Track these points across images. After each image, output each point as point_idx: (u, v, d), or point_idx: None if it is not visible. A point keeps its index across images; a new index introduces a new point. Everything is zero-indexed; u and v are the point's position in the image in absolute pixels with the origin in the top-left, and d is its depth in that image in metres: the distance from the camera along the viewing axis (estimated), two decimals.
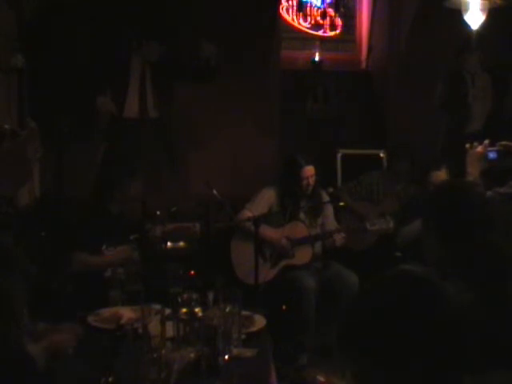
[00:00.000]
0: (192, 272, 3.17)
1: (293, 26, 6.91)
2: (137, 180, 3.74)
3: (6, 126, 1.74)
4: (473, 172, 2.67)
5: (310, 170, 4.47)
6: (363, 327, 1.29)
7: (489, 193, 2.63)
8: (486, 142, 2.76)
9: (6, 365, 1.91)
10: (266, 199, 4.48)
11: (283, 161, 4.76)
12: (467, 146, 2.74)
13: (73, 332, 2.36)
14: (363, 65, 7.04)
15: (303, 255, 4.45)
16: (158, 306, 2.55)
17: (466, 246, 2.36)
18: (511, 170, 2.81)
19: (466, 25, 5.21)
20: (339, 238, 4.39)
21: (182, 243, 4.25)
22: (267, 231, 4.30)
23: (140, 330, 2.34)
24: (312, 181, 4.49)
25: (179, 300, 2.47)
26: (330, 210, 4.65)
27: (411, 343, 1.24)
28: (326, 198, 4.65)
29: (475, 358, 1.32)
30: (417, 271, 1.32)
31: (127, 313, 2.69)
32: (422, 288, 1.28)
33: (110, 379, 2.01)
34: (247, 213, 4.33)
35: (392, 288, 1.29)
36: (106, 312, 2.79)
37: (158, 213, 3.94)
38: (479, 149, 2.73)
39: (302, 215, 4.54)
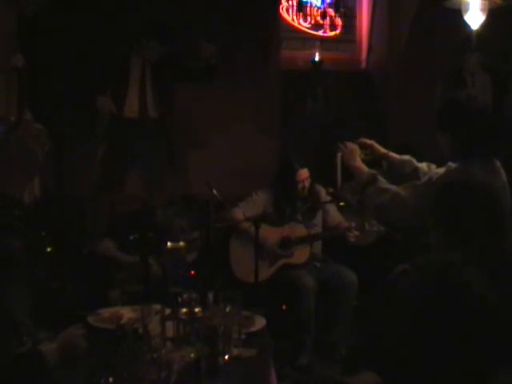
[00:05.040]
0: (192, 272, 3.17)
1: (293, 25, 6.90)
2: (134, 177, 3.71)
3: (12, 118, 1.74)
4: (352, 164, 2.95)
5: (304, 174, 4.50)
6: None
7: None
8: (360, 140, 3.11)
9: (8, 375, 1.91)
10: (260, 202, 4.52)
11: (278, 163, 4.79)
12: (340, 145, 3.03)
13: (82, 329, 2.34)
14: (363, 65, 7.04)
15: (301, 254, 4.46)
16: (158, 306, 2.55)
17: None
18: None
19: (466, 25, 5.20)
20: (352, 236, 4.39)
21: (182, 243, 4.24)
22: (263, 231, 4.30)
23: (140, 330, 2.34)
24: (307, 183, 4.51)
25: (179, 300, 2.47)
26: (331, 207, 4.66)
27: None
28: (326, 197, 4.66)
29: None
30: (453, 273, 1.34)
31: (127, 313, 2.68)
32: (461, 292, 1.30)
33: (110, 379, 2.00)
34: (238, 211, 4.38)
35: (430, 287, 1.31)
36: (106, 312, 2.78)
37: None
38: (351, 145, 3.02)
39: (298, 216, 4.55)
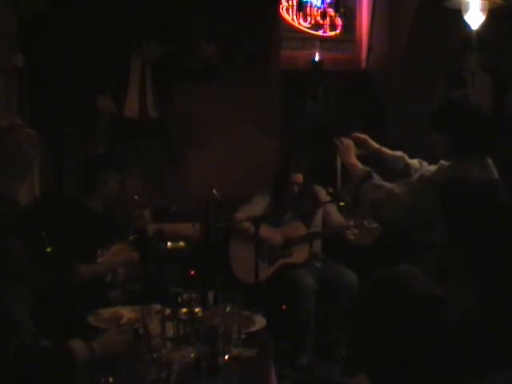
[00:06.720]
0: (192, 272, 3.17)
1: (293, 25, 6.89)
2: (127, 177, 3.67)
3: (5, 123, 1.74)
4: (348, 160, 2.97)
5: (298, 178, 4.53)
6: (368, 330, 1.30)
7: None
8: (354, 134, 3.14)
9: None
10: (261, 204, 4.52)
11: (278, 163, 4.80)
12: (336, 140, 3.05)
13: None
14: (363, 65, 7.04)
15: (300, 253, 4.46)
16: (158, 306, 2.55)
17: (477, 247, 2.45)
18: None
19: (466, 25, 5.20)
20: (351, 234, 4.39)
21: (181, 243, 4.25)
22: (263, 231, 4.30)
23: (140, 330, 2.34)
24: (297, 188, 4.54)
25: (179, 300, 2.47)
26: (332, 208, 4.66)
27: (410, 347, 1.25)
28: (326, 198, 4.66)
29: (477, 360, 1.32)
30: (417, 282, 1.33)
31: (127, 313, 2.69)
32: (422, 304, 1.29)
33: (110, 379, 2.00)
34: (241, 215, 4.37)
35: (392, 299, 1.30)
36: (106, 312, 2.78)
37: (136, 197, 3.92)
38: (347, 141, 3.05)
39: (298, 216, 4.56)
